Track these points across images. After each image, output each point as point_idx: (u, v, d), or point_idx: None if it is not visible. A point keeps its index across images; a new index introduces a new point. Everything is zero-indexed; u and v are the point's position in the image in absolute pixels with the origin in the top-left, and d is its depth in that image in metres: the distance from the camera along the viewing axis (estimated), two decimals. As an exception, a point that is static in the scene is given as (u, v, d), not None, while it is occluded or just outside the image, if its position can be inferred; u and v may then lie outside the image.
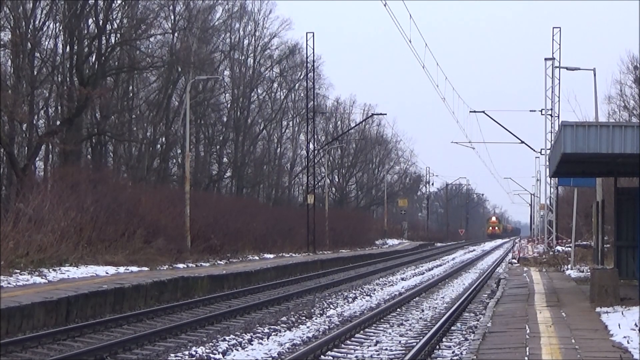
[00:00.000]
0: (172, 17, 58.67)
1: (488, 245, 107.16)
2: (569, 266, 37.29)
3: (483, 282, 36.38)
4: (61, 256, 28.71)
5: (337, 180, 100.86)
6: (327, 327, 20.60)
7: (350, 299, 28.04)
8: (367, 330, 20.23)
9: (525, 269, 39.43)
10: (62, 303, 20.43)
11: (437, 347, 17.83)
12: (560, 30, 55.87)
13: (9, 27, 43.00)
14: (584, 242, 46.80)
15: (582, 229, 50.04)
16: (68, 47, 47.52)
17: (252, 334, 19.04)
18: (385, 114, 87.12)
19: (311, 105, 60.62)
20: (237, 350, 16.95)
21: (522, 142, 60.04)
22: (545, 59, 56.57)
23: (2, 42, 43.65)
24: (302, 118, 75.98)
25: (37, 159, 46.97)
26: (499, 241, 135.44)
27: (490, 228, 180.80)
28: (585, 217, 49.52)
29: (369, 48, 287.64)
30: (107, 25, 48.36)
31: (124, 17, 50.40)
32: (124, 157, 56.27)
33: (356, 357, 16.64)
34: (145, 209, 37.88)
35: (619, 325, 16.13)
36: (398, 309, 25.06)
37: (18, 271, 25.26)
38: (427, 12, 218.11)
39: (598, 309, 19.28)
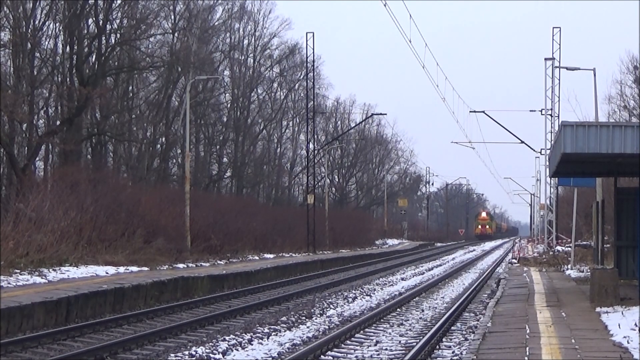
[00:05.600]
0: (172, 17, 58.76)
1: (488, 245, 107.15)
2: (569, 266, 37.29)
3: (483, 282, 36.38)
4: (61, 256, 28.72)
5: (337, 180, 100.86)
6: (327, 327, 20.60)
7: (350, 299, 28.03)
8: (367, 330, 20.23)
9: (525, 269, 39.41)
10: (62, 303, 20.43)
11: (437, 347, 17.83)
12: (560, 30, 55.93)
13: (9, 27, 43.00)
14: (584, 242, 46.78)
15: (582, 229, 50.03)
16: (68, 47, 47.53)
17: (252, 334, 19.03)
18: (385, 114, 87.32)
19: (311, 105, 60.62)
20: (237, 350, 16.95)
21: (522, 142, 60.10)
22: (545, 59, 56.60)
23: (2, 42, 43.65)
24: (302, 118, 76.03)
25: (37, 159, 47.00)
26: (498, 241, 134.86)
27: (480, 227, 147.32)
28: (585, 217, 49.51)
29: (368, 48, 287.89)
30: (107, 25, 48.37)
31: (124, 17, 50.42)
32: (124, 157, 56.26)
33: (356, 357, 16.63)
34: (145, 209, 37.89)
35: (619, 325, 16.13)
36: (398, 309, 25.06)
37: (18, 271, 25.27)
38: (427, 12, 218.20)
39: (598, 309, 19.28)
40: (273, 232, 52.49)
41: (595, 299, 20.63)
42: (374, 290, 32.11)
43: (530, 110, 61.59)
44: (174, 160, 63.96)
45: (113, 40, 49.31)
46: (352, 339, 18.74)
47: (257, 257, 44.15)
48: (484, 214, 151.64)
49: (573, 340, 14.79)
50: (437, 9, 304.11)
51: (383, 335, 19.53)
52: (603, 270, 22.17)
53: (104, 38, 48.40)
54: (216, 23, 67.79)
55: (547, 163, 51.54)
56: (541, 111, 56.73)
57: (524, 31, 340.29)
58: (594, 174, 28.70)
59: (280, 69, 79.38)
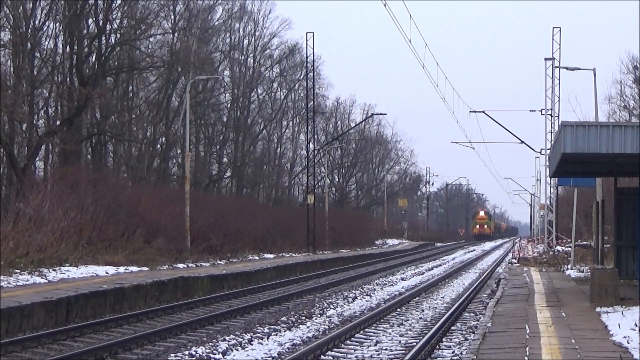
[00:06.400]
0: (172, 17, 58.73)
1: (488, 246, 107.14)
2: (569, 266, 37.28)
3: (483, 282, 36.37)
4: (61, 256, 28.72)
5: (337, 180, 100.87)
6: (327, 327, 20.60)
7: (350, 299, 28.04)
8: (367, 330, 20.22)
9: (525, 269, 39.42)
10: (62, 303, 20.43)
11: (437, 347, 17.83)
12: (560, 30, 55.94)
13: (9, 27, 42.98)
14: (584, 242, 46.79)
15: (582, 229, 50.03)
16: (68, 47, 47.51)
17: (252, 334, 19.04)
18: (385, 114, 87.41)
19: (311, 105, 60.62)
20: (237, 350, 16.95)
21: (522, 142, 60.10)
22: (545, 59, 56.62)
23: (2, 42, 43.64)
24: (302, 118, 76.02)
25: (37, 159, 46.96)
26: (498, 241, 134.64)
27: (478, 226, 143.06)
28: (585, 217, 49.51)
29: (369, 48, 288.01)
30: (107, 25, 48.34)
31: (124, 17, 50.38)
32: (124, 157, 56.27)
33: (356, 357, 16.63)
34: (145, 209, 37.88)
35: (619, 325, 16.13)
36: (398, 309, 25.06)
37: (18, 271, 25.27)
38: (427, 12, 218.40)
39: (598, 309, 19.28)
40: (273, 232, 52.49)
41: (595, 299, 20.62)
42: (374, 290, 32.11)
43: (530, 110, 61.63)
44: (174, 160, 63.97)
45: (113, 40, 49.31)
46: (352, 339, 18.74)
47: (257, 257, 44.15)
48: (482, 213, 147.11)
49: (573, 340, 14.79)
50: (437, 9, 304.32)
51: (383, 335, 19.53)
52: (603, 270, 22.16)
53: (104, 38, 48.38)
54: (216, 23, 67.84)
55: (547, 163, 51.55)
56: (541, 111, 56.76)
57: (524, 31, 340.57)
58: (594, 174, 28.69)
59: (280, 69, 79.42)
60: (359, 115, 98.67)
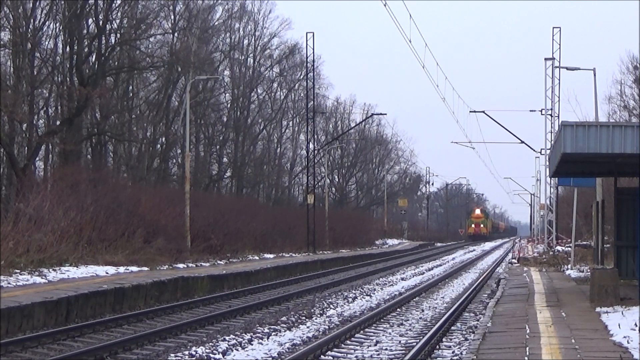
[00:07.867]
0: (172, 17, 58.75)
1: (488, 246, 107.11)
2: (569, 266, 37.28)
3: (483, 282, 36.37)
4: (61, 256, 28.71)
5: (337, 180, 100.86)
6: (327, 327, 20.60)
7: (350, 299, 28.04)
8: (367, 330, 20.22)
9: (525, 269, 39.42)
10: (62, 303, 20.43)
11: (437, 347, 17.83)
12: (560, 30, 55.96)
13: (9, 27, 42.99)
14: (584, 242, 46.79)
15: (582, 229, 50.03)
16: (68, 47, 47.53)
17: (252, 334, 19.03)
18: (385, 114, 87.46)
19: (311, 105, 60.61)
20: (237, 350, 16.95)
21: (522, 142, 60.14)
22: (545, 59, 56.64)
23: (2, 42, 43.65)
24: (302, 118, 76.03)
25: (37, 159, 46.99)
26: (498, 241, 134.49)
27: (473, 225, 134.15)
28: (585, 217, 49.51)
29: (368, 48, 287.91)
30: (107, 25, 48.37)
31: (124, 17, 50.42)
32: (124, 157, 56.26)
33: (356, 357, 16.63)
34: (145, 209, 37.87)
35: (619, 325, 16.13)
36: (398, 309, 25.05)
37: (18, 271, 25.27)
38: (427, 12, 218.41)
39: (598, 309, 19.28)
40: (273, 232, 52.47)
41: (595, 299, 20.63)
42: (374, 290, 32.10)
43: (530, 110, 61.69)
44: (174, 160, 63.96)
45: (113, 40, 49.32)
46: (352, 339, 18.74)
47: (257, 257, 44.14)
48: (477, 211, 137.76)
49: (573, 340, 14.79)
50: (437, 9, 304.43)
51: (383, 335, 19.53)
52: (603, 270, 22.16)
53: (104, 38, 48.38)
54: (216, 23, 67.84)
55: (547, 163, 51.55)
56: (541, 111, 56.77)
57: (524, 31, 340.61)
58: (594, 174, 28.70)
59: (280, 69, 79.41)
60: (359, 115, 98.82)
